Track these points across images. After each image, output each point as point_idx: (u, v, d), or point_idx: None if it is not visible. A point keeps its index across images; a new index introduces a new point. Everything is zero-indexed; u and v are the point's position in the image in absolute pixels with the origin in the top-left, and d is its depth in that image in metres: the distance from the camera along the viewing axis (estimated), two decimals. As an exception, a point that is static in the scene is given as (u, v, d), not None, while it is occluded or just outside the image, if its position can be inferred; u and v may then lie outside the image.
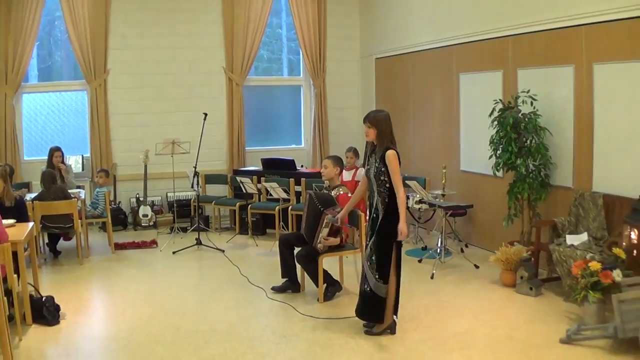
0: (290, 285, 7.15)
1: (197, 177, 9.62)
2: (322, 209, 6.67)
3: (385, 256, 5.73)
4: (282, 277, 7.19)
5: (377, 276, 5.74)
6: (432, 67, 10.12)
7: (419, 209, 8.96)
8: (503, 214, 7.91)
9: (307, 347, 5.61)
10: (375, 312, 5.82)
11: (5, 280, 5.73)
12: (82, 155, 10.96)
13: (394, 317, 5.86)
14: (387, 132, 5.70)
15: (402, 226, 5.64)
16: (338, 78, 12.40)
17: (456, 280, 7.57)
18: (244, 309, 6.65)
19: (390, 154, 5.62)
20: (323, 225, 6.64)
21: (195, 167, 9.56)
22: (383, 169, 5.65)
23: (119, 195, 11.10)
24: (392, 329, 5.85)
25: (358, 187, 6.43)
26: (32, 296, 6.26)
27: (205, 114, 9.82)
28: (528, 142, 7.51)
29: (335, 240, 6.70)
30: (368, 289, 5.81)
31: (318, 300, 6.81)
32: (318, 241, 6.67)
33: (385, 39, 11.49)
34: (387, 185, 5.67)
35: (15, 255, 5.90)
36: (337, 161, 7.22)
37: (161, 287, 7.54)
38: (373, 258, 5.78)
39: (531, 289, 6.85)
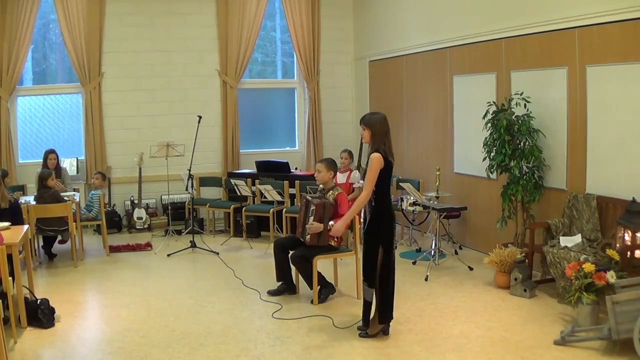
0: (286, 288, 7.16)
1: (192, 180, 9.61)
2: (310, 199, 6.73)
3: (371, 259, 5.74)
4: (277, 280, 7.22)
5: (363, 278, 5.80)
6: (426, 69, 10.15)
7: (413, 211, 8.97)
8: (497, 216, 7.93)
9: (302, 349, 5.61)
10: (365, 315, 5.87)
11: (0, 282, 5.73)
12: (77, 158, 10.94)
13: (386, 323, 5.90)
14: (380, 134, 5.67)
15: (338, 223, 5.94)
16: (332, 81, 12.43)
17: (450, 282, 7.58)
18: (239, 311, 6.66)
19: (373, 156, 5.60)
20: (309, 214, 6.67)
21: (189, 170, 9.57)
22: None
23: (114, 198, 11.09)
24: (385, 331, 5.86)
25: (357, 192, 6.44)
26: (27, 299, 6.26)
27: (200, 117, 9.84)
28: (522, 144, 7.54)
29: (319, 226, 6.62)
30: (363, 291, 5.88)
31: (312, 302, 6.83)
32: (307, 232, 6.70)
33: (378, 42, 11.52)
34: (374, 188, 5.69)
35: (10, 257, 5.90)
36: (331, 165, 7.15)
37: (156, 289, 7.53)
38: (362, 260, 5.85)
39: (525, 290, 6.87)
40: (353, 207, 5.80)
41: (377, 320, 5.83)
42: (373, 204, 5.69)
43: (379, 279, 5.75)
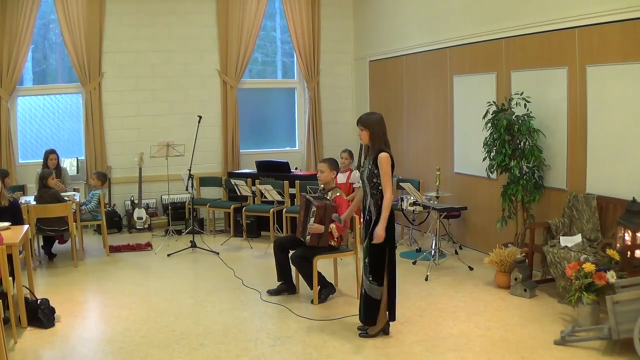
0: (286, 288, 7.17)
1: (192, 180, 9.62)
2: (311, 200, 6.71)
3: (378, 259, 5.73)
4: (278, 280, 7.22)
5: (370, 278, 5.76)
6: (426, 69, 10.15)
7: (413, 211, 8.97)
8: (497, 216, 7.93)
9: (302, 349, 5.62)
10: (371, 315, 5.83)
11: (0, 282, 5.74)
12: (77, 158, 10.95)
13: (389, 321, 5.90)
14: (380, 134, 5.70)
15: (378, 229, 5.65)
16: (332, 80, 12.43)
17: (450, 282, 7.58)
18: (239, 311, 6.66)
19: (382, 156, 5.62)
20: (310, 215, 6.67)
21: (189, 170, 9.57)
22: (376, 172, 5.65)
23: (114, 198, 11.09)
24: (386, 331, 5.87)
25: (357, 191, 6.41)
26: (27, 299, 6.26)
27: (200, 117, 9.84)
28: (522, 144, 7.53)
29: (319, 227, 6.62)
30: (364, 291, 5.84)
31: (312, 302, 6.83)
32: (307, 232, 6.70)
33: (378, 42, 11.52)
34: (380, 188, 5.68)
35: (10, 257, 5.90)
36: (333, 165, 7.19)
37: (156, 289, 7.53)
38: (366, 261, 5.79)
39: (525, 290, 6.87)
40: (384, 209, 5.65)
41: (389, 317, 5.87)
42: (379, 202, 5.69)
43: (388, 278, 5.76)
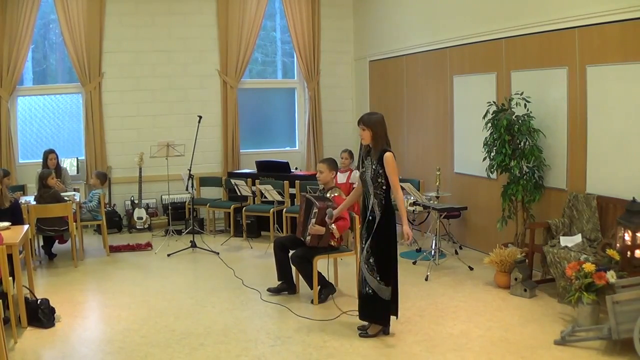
0: (287, 287, 7.17)
1: (192, 180, 9.62)
2: (313, 200, 6.71)
3: (385, 258, 5.73)
4: (278, 279, 7.22)
5: (378, 278, 5.74)
6: (426, 69, 10.14)
7: (413, 211, 8.96)
8: (497, 216, 7.92)
9: (302, 349, 5.61)
10: (379, 314, 5.82)
11: (0, 282, 5.73)
12: (77, 158, 10.95)
13: (393, 318, 5.91)
14: (382, 134, 5.70)
15: (406, 228, 5.69)
16: (332, 80, 12.43)
17: (451, 282, 7.58)
18: (239, 311, 6.66)
19: (388, 155, 5.63)
20: (312, 216, 6.66)
21: (189, 170, 9.57)
22: (380, 171, 5.66)
23: (114, 198, 11.09)
24: (386, 331, 5.87)
25: (354, 190, 6.41)
26: (27, 299, 6.27)
27: (200, 117, 9.84)
28: (522, 144, 7.53)
29: (320, 229, 6.61)
30: (370, 291, 5.78)
31: (312, 302, 6.83)
32: (307, 233, 6.70)
33: (379, 42, 11.51)
34: (384, 187, 5.68)
35: (10, 257, 5.90)
36: (332, 165, 7.21)
37: (156, 289, 7.53)
38: (371, 261, 5.76)
39: (525, 290, 6.87)
40: (400, 206, 5.72)
41: (393, 315, 5.89)
42: (384, 202, 5.69)
43: (393, 276, 5.78)
